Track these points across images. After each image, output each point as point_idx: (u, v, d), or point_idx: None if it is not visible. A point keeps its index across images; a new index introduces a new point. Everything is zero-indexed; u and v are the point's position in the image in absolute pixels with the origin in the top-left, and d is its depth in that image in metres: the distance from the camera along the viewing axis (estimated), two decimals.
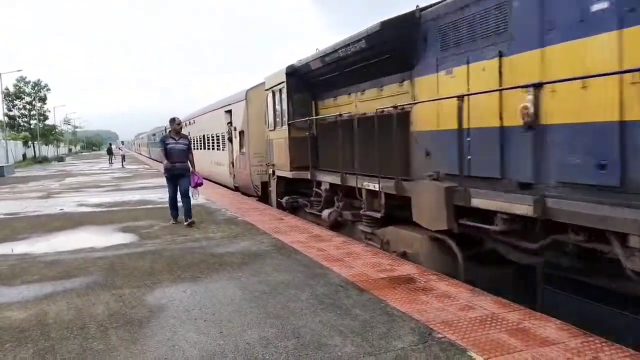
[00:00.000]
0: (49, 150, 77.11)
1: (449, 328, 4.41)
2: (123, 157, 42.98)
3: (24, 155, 61.82)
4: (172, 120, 10.60)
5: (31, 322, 4.91)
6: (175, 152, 10.27)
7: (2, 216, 12.91)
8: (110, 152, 47.69)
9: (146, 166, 40.71)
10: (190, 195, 10.52)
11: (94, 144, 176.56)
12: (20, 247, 8.67)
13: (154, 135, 49.81)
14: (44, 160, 62.02)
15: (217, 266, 6.88)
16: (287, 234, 9.11)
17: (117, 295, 5.69)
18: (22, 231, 10.33)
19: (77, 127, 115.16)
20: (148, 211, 12.83)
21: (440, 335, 4.25)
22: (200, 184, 10.82)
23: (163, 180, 23.82)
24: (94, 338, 4.45)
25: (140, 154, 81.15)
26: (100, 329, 4.67)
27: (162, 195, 16.44)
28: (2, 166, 35.14)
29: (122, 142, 55.37)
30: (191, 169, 10.54)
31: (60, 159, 67.90)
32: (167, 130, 11.40)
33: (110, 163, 44.36)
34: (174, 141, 10.29)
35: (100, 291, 5.87)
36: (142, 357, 4.03)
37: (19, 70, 79.35)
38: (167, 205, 11.09)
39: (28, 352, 4.18)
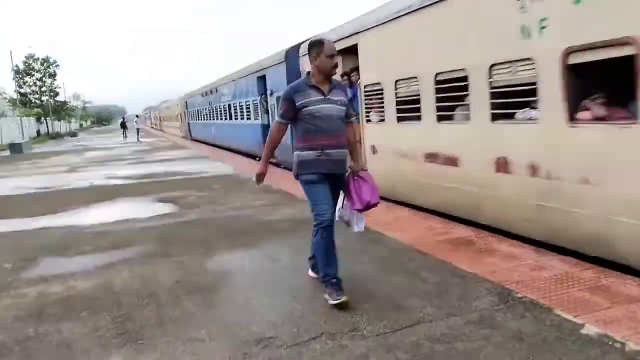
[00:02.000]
0: (61, 126, 77.36)
1: (526, 288, 4.34)
2: (138, 131, 42.95)
3: (38, 132, 62.12)
4: (317, 45, 4.34)
5: (99, 291, 4.93)
6: (325, 122, 4.32)
7: (35, 190, 12.99)
8: (124, 125, 47.62)
9: (161, 139, 40.76)
10: (343, 218, 4.86)
11: (104, 118, 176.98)
12: (62, 220, 8.71)
13: (205, 94, 27.96)
14: (57, 136, 62.27)
15: (268, 233, 6.86)
16: None
17: (177, 263, 5.69)
18: (58, 205, 10.36)
19: (86, 103, 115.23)
20: (179, 182, 12.82)
21: (520, 295, 4.18)
22: (374, 204, 4.68)
23: (185, 152, 24.13)
24: (167, 305, 4.45)
25: (162, 130, 60.98)
26: (171, 296, 4.67)
27: (188, 167, 16.48)
28: (20, 143, 35.34)
29: (137, 116, 54.41)
30: (353, 163, 4.68)
31: (73, 134, 68.10)
32: (304, 74, 4.79)
33: (125, 137, 44.38)
34: (321, 97, 4.32)
35: (158, 259, 5.87)
36: (222, 322, 4.02)
37: (28, 47, 78.76)
38: (199, 175, 10.96)
39: (106, 320, 4.19)
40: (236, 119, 20.85)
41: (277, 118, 4.49)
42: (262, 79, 16.30)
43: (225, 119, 23.21)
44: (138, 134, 42.13)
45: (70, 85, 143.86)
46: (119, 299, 4.66)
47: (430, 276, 4.78)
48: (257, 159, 16.07)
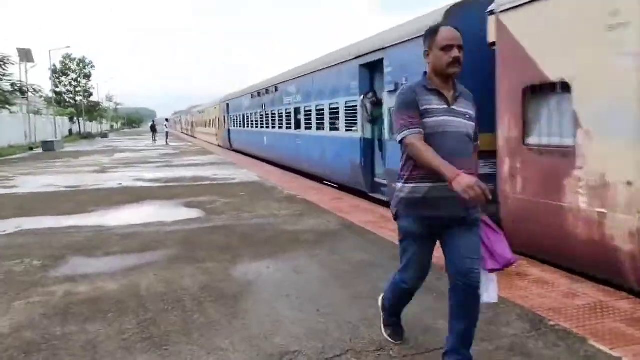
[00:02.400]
0: (92, 127, 79.19)
1: (559, 315, 4.20)
2: (167, 135, 43.65)
3: (70, 131, 63.69)
4: (428, 35, 3.18)
5: (125, 293, 4.96)
6: (450, 141, 3.07)
7: (66, 189, 13.27)
8: (153, 129, 48.47)
9: (189, 143, 41.31)
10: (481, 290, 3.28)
11: (134, 121, 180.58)
12: (91, 220, 8.85)
13: (257, 95, 22.31)
14: (89, 136, 63.75)
15: (292, 243, 6.83)
16: (352, 213, 8.98)
17: (202, 269, 5.70)
18: (88, 204, 10.56)
19: (118, 104, 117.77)
20: (206, 187, 12.92)
21: (552, 323, 4.05)
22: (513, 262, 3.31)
23: (212, 157, 24.84)
24: (192, 311, 4.44)
25: (194, 136, 56.76)
26: (196, 302, 4.67)
27: (215, 172, 16.63)
28: (53, 141, 36.26)
29: (167, 120, 55.17)
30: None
31: (104, 135, 69.64)
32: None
33: (154, 140, 45.14)
34: (444, 107, 3.11)
35: (184, 264, 5.89)
36: (247, 332, 3.99)
37: (67, 47, 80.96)
38: (226, 182, 10.97)
39: (132, 323, 4.21)
40: (309, 128, 14.55)
41: (405, 132, 3.02)
42: (371, 68, 10.60)
43: (288, 127, 17.08)
44: (167, 138, 42.81)
45: (103, 87, 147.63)
46: (145, 303, 4.68)
47: None
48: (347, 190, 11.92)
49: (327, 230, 7.64)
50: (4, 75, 30.86)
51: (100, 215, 9.25)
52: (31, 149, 35.25)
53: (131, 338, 3.92)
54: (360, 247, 6.60)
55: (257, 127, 22.86)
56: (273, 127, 19.61)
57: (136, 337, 3.94)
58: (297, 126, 16.01)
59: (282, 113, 18.03)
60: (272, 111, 19.65)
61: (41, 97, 52.05)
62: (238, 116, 27.84)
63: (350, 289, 4.95)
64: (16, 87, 32.97)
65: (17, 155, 29.75)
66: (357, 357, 3.54)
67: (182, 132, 76.56)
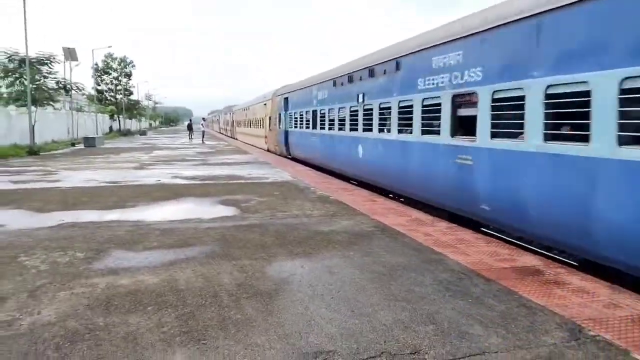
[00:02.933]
0: (131, 124, 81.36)
1: (599, 326, 4.10)
2: (203, 134, 44.44)
3: (110, 128, 65.61)
4: None
5: (164, 287, 5.10)
6: None
7: (107, 184, 13.69)
8: (190, 128, 49.43)
9: (224, 142, 41.93)
10: None
11: (172, 119, 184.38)
12: (131, 214, 9.11)
13: (339, 84, 15.06)
14: (128, 133, 65.52)
15: (326, 244, 6.86)
16: (385, 216, 8.96)
17: (238, 266, 5.80)
18: (128, 199, 10.87)
19: (157, 103, 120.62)
20: (241, 186, 13.11)
21: (592, 333, 3.95)
22: None
23: (246, 157, 26.18)
24: (229, 307, 4.53)
25: (235, 137, 48.82)
26: (232, 298, 4.76)
27: (249, 171, 16.84)
28: (94, 137, 37.45)
29: (204, 119, 56.19)
30: None
31: (142, 132, 71.47)
32: None
33: (190, 138, 46.03)
34: None
35: (220, 261, 6.01)
36: (282, 329, 4.04)
37: (109, 47, 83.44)
38: (260, 181, 11.16)
39: (171, 317, 4.33)
40: (469, 133, 8.29)
41: None
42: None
43: (404, 130, 10.68)
44: (203, 137, 43.60)
45: (143, 85, 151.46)
46: (184, 297, 4.80)
47: (496, 304, 4.61)
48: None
49: (361, 232, 7.64)
50: (49, 73, 32.05)
51: (140, 211, 9.51)
52: (73, 144, 36.51)
53: (170, 331, 4.03)
54: (394, 249, 6.58)
55: (337, 129, 15.28)
56: (386, 131, 11.70)
57: (175, 330, 4.05)
58: (468, 131, 8.30)
59: (397, 108, 10.90)
60: (371, 106, 12.50)
61: (83, 94, 53.85)
62: (302, 114, 20.10)
63: (384, 291, 4.95)
64: (60, 85, 34.20)
65: (60, 151, 30.85)
66: (392, 359, 3.54)
67: (219, 133, 70.17)
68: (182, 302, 4.66)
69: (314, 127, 18.24)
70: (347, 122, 14.25)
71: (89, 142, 35.71)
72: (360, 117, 13.21)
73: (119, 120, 69.04)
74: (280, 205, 9.96)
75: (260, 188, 12.62)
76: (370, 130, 12.55)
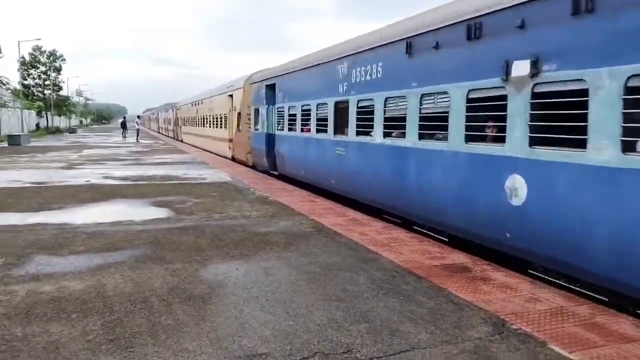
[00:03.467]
0: (60, 121, 77.19)
1: (521, 319, 4.32)
2: (138, 132, 42.91)
3: (37, 125, 61.94)
4: None
5: (91, 293, 4.87)
6: None
7: (32, 185, 12.90)
8: (124, 126, 47.57)
9: (160, 141, 40.69)
10: None
11: (104, 117, 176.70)
12: (57, 217, 8.64)
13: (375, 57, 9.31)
14: (56, 131, 62.11)
15: (263, 245, 6.82)
16: (324, 216, 9.02)
17: (170, 269, 5.64)
18: (54, 201, 10.30)
19: (88, 100, 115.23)
20: (176, 187, 12.77)
21: (515, 327, 4.17)
22: None
23: (184, 157, 25.20)
24: (160, 313, 4.40)
25: (181, 140, 40.82)
26: (163, 303, 4.62)
27: (186, 172, 16.44)
28: (19, 135, 35.21)
29: (138, 117, 53.73)
30: None
31: (72, 130, 67.96)
32: None
33: (124, 137, 44.31)
34: None
35: (152, 265, 5.82)
36: (214, 334, 3.97)
37: (37, 39, 78.56)
38: (197, 181, 10.92)
39: (96, 324, 4.14)
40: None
41: None
42: None
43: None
44: (138, 135, 42.08)
45: (73, 81, 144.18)
46: (111, 303, 4.60)
47: (426, 301, 4.76)
48: None
49: (299, 232, 7.66)
50: None
51: (67, 213, 9.04)
52: None
53: (95, 339, 3.85)
54: (331, 250, 6.64)
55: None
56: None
57: (101, 338, 3.87)
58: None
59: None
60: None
61: (8, 89, 50.48)
62: (312, 108, 12.68)
63: (319, 292, 4.98)
64: None
65: None
66: (325, 359, 3.57)
67: (158, 133, 60.67)
68: (109, 309, 4.47)
69: (322, 129, 11.96)
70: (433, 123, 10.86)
71: (14, 140, 33.52)
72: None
73: (47, 117, 65.32)
74: (217, 207, 9.79)
75: (197, 189, 12.34)
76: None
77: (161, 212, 9.17)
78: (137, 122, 45.84)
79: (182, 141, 38.79)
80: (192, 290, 4.97)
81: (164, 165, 19.16)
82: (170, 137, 48.26)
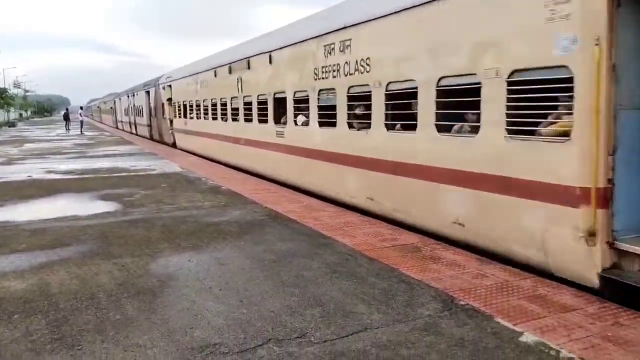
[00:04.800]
0: None
1: (468, 295, 4.48)
2: (82, 123, 41.22)
3: None
4: None
5: (34, 292, 4.67)
6: None
7: None
8: (67, 117, 45.53)
9: (106, 133, 39.27)
10: None
11: (46, 109, 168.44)
12: None
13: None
14: None
15: (216, 235, 6.73)
16: (278, 203, 8.99)
17: (119, 264, 5.48)
18: None
19: (27, 91, 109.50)
20: (124, 179, 12.37)
21: (463, 302, 4.31)
22: None
23: (131, 148, 23.35)
24: (107, 308, 4.27)
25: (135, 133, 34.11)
26: (112, 299, 4.49)
27: (134, 163, 15.96)
28: None
29: (82, 108, 51.25)
30: None
31: (11, 124, 64.54)
32: None
33: (67, 129, 42.46)
34: None
35: (99, 260, 5.63)
36: (166, 326, 3.90)
37: None
38: (145, 173, 10.64)
39: (41, 324, 3.98)
40: None
41: None
42: None
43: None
44: (82, 127, 40.43)
45: (10, 72, 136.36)
46: (56, 302, 4.43)
47: (378, 282, 4.84)
48: None
49: (253, 221, 7.60)
50: None
51: (8, 210, 8.60)
52: None
53: (40, 339, 3.70)
54: (285, 236, 6.64)
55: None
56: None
57: (46, 337, 3.73)
58: None
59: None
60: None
61: None
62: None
63: (274, 279, 4.97)
64: None
65: None
66: (279, 345, 3.57)
67: (117, 128, 45.28)
68: (55, 307, 4.30)
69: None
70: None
71: None
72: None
73: None
74: (167, 198, 9.57)
75: (146, 180, 12.01)
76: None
77: (108, 206, 8.87)
78: (80, 114, 43.96)
79: (176, 146, 22.32)
80: (142, 284, 4.85)
81: (110, 157, 18.51)
82: (144, 137, 30.52)
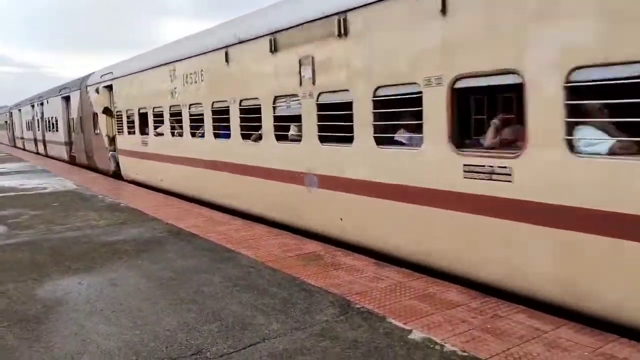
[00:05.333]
0: None
1: (364, 298, 4.65)
2: None
3: None
4: None
5: None
6: None
7: None
8: None
9: None
10: None
11: None
12: None
13: None
14: None
15: (111, 255, 6.41)
16: (181, 219, 8.75)
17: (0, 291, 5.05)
18: None
19: None
20: (10, 199, 11.39)
21: (359, 306, 4.47)
22: None
23: (21, 165, 21.56)
24: None
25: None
26: None
27: (22, 182, 14.77)
28: None
29: None
30: None
31: None
32: None
33: None
34: None
35: None
36: (50, 354, 3.66)
37: None
38: (36, 192, 9.92)
39: None
40: None
41: None
42: None
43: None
44: None
45: None
46: None
47: (279, 292, 4.88)
48: None
49: (152, 238, 7.33)
50: None
51: None
52: None
53: None
54: (186, 253, 6.48)
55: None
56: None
57: None
58: None
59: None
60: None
61: None
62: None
63: (171, 297, 4.83)
64: None
65: None
66: None
67: (25, 150, 33.74)
68: None
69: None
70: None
71: None
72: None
73: None
74: (59, 218, 8.95)
75: (36, 200, 11.15)
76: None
77: None
78: None
79: (120, 174, 15.60)
80: (25, 311, 4.50)
81: None
82: (59, 160, 22.99)
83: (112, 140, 15.55)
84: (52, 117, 23.59)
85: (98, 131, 16.48)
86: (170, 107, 11.33)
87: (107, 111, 15.38)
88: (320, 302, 4.60)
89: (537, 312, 4.23)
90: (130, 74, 13.63)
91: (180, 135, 11.04)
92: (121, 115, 14.49)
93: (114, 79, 14.85)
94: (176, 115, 11.16)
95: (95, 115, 16.55)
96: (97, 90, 16.05)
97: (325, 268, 5.64)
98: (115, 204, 10.55)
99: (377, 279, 5.20)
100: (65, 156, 21.84)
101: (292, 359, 3.50)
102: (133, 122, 13.65)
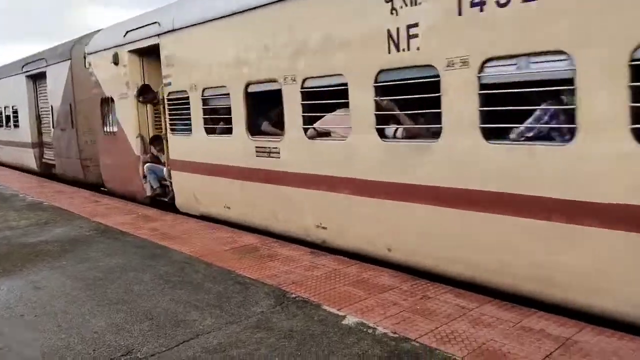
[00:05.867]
0: None
1: (300, 287, 4.68)
2: None
3: None
4: None
5: None
6: None
7: None
8: None
9: None
10: None
11: None
12: None
13: None
14: None
15: (33, 257, 6.05)
16: (109, 216, 8.40)
17: None
18: None
19: None
20: None
21: (294, 295, 4.49)
22: None
23: None
24: None
25: None
26: None
27: None
28: None
29: None
30: None
31: None
32: None
33: None
34: None
35: None
36: None
37: None
38: None
39: None
40: None
41: None
42: None
43: None
44: None
45: None
46: None
47: (214, 287, 4.80)
48: None
49: (78, 237, 6.99)
50: None
51: None
52: None
53: None
54: (115, 251, 6.23)
55: None
56: None
57: None
58: None
59: None
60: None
61: None
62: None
63: (98, 298, 4.63)
64: None
65: None
66: None
67: None
68: None
69: None
70: None
71: None
72: None
73: None
74: None
75: None
76: None
77: None
78: None
79: (181, 210, 8.85)
80: None
81: None
82: (17, 168, 16.75)
83: (152, 144, 9.39)
84: (6, 107, 16.75)
85: (111, 128, 10.28)
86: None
87: (146, 92, 9.17)
88: (255, 294, 4.57)
89: (463, 292, 4.43)
90: (222, 17, 6.99)
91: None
92: (183, 99, 8.04)
93: (166, 32, 8.16)
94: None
95: (105, 101, 10.30)
96: (114, 59, 9.65)
97: (261, 260, 5.61)
98: (38, 202, 9.95)
99: (313, 268, 5.24)
100: (31, 164, 15.25)
101: (226, 352, 3.47)
102: (219, 110, 7.61)
